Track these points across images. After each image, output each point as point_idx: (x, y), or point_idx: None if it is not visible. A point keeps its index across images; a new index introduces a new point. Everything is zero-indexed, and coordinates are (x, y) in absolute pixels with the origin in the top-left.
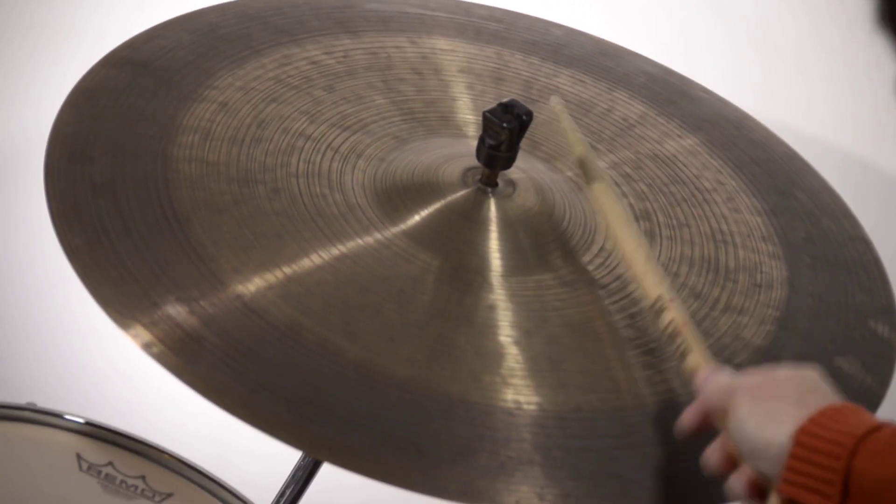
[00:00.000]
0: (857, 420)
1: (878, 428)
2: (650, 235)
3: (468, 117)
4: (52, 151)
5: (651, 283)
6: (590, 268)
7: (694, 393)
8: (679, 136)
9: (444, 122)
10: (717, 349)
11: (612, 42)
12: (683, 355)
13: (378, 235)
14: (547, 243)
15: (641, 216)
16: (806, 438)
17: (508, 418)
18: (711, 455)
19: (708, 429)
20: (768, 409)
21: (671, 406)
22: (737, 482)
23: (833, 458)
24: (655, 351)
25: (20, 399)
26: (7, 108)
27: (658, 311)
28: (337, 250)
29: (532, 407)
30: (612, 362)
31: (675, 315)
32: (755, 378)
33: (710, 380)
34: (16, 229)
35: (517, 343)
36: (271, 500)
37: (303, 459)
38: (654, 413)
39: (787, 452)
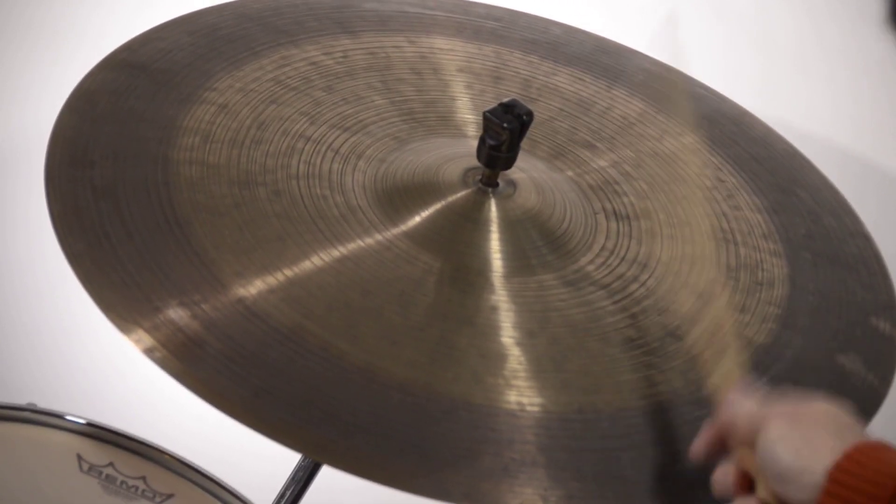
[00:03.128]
0: (894, 460)
1: None
2: (651, 234)
3: (468, 117)
4: (53, 155)
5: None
6: (591, 268)
7: (714, 413)
8: (679, 134)
9: (444, 122)
10: None
11: (611, 40)
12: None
13: (379, 237)
14: (548, 243)
15: (642, 215)
16: (841, 475)
17: (512, 420)
18: (723, 477)
19: (721, 454)
20: (805, 434)
21: (674, 406)
22: None
23: (874, 500)
24: (657, 351)
25: (20, 399)
26: (7, 108)
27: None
28: (338, 252)
29: (535, 408)
30: (614, 363)
31: (698, 335)
32: (789, 404)
33: (738, 403)
34: (16, 230)
35: (520, 344)
36: (272, 501)
37: (303, 460)
38: (656, 413)
39: (820, 483)
